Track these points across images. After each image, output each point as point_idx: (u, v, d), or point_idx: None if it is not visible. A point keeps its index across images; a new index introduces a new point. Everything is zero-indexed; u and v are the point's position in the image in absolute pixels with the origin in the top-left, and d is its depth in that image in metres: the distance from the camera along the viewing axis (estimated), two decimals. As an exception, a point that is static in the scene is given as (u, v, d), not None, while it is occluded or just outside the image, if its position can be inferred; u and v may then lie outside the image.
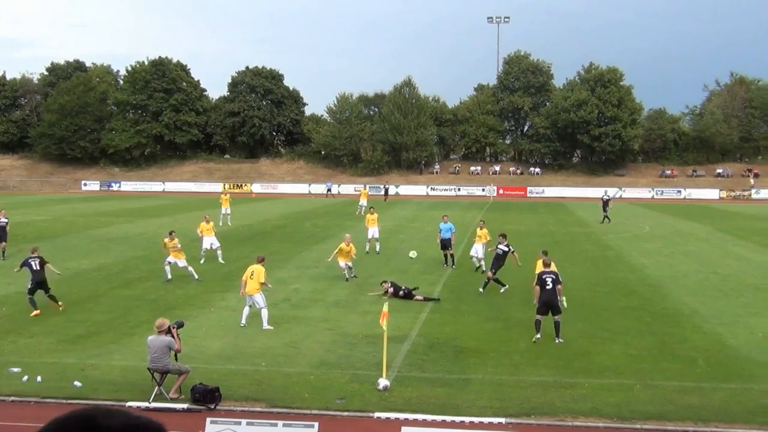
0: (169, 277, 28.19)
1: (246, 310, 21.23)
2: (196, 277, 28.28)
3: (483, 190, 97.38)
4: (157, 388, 15.21)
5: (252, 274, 20.98)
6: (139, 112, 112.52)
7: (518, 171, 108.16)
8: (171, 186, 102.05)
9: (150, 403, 14.94)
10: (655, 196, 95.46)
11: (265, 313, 21.02)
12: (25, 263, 23.27)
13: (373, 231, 36.91)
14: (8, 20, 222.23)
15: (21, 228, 46.02)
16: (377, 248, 36.89)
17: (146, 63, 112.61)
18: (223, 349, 19.01)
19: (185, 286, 27.57)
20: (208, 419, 12.96)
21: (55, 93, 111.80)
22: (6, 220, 35.54)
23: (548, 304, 19.71)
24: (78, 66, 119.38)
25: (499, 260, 26.81)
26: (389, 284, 26.15)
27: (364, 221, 39.04)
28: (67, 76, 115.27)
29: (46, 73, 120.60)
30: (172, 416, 14.63)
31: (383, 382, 15.86)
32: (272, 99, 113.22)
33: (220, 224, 45.80)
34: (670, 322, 22.42)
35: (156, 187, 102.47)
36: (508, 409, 14.74)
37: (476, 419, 14.22)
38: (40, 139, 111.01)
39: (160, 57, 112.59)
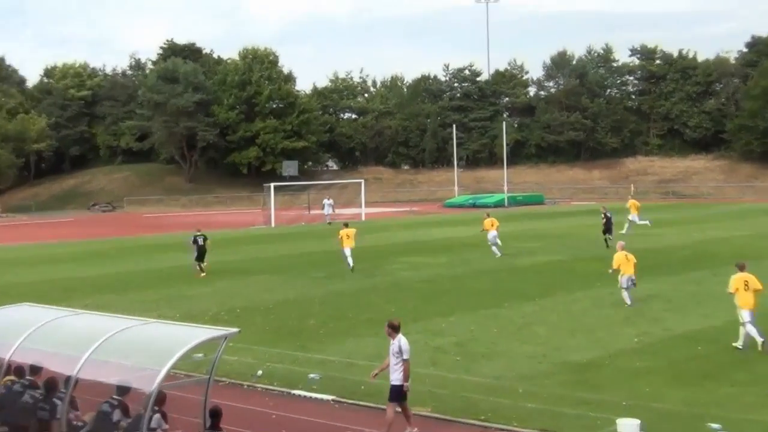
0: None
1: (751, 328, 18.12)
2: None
3: None
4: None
5: (747, 284, 18.66)
6: None
7: None
8: None
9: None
10: None
11: (742, 331, 18.33)
12: None
13: None
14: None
15: (714, 245, 38.50)
16: None
17: None
18: None
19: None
20: None
21: (756, 74, 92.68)
22: (203, 237, 33.86)
23: None
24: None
25: None
26: None
27: None
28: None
29: (745, 50, 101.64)
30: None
31: None
32: None
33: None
34: None
35: None
36: None
37: None
38: (738, 133, 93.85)
39: None
